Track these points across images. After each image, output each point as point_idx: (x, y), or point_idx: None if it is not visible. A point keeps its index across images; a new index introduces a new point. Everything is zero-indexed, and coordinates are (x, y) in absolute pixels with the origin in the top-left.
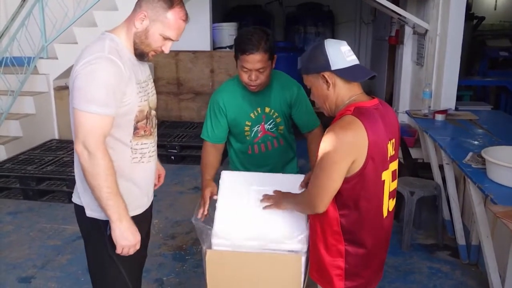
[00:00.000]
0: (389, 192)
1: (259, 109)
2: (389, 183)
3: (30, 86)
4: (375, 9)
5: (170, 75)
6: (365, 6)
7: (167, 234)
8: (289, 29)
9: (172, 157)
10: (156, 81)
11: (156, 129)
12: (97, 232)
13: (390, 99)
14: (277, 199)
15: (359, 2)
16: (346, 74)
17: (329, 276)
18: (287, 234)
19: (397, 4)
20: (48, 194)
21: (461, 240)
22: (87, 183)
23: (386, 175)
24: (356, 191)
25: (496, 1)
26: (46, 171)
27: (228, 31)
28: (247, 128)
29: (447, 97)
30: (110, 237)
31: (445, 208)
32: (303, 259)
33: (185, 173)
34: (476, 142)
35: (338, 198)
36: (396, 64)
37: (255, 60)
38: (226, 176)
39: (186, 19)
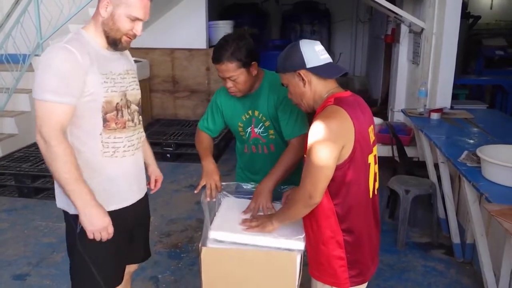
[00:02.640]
0: (374, 175)
1: (250, 111)
2: (374, 166)
3: (25, 84)
4: (372, 8)
5: (166, 73)
6: (361, 4)
7: (163, 232)
8: (285, 27)
9: (168, 155)
10: (151, 79)
11: (139, 124)
12: (69, 228)
13: (386, 98)
14: (263, 220)
15: (356, 0)
16: (321, 71)
17: (332, 269)
18: (284, 234)
19: (393, 3)
20: (43, 192)
21: (456, 239)
22: (51, 172)
23: (371, 159)
24: (348, 177)
25: (492, 1)
26: (41, 168)
27: (224, 29)
28: (240, 129)
29: (443, 96)
30: (80, 233)
31: (440, 207)
32: (298, 257)
33: (180, 171)
34: (471, 141)
35: (331, 187)
36: (392, 63)
37: (222, 69)
38: (226, 201)
39: None
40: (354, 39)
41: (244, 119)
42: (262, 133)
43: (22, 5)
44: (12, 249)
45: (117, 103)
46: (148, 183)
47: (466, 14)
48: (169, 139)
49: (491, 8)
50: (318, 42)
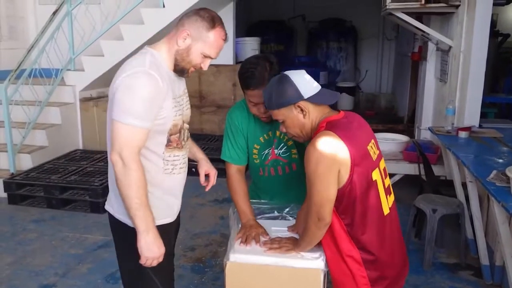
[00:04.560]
0: (384, 189)
1: (270, 132)
2: (382, 181)
3: (57, 97)
4: (398, 25)
5: (193, 88)
6: (388, 22)
7: (187, 246)
8: (311, 44)
9: (193, 169)
10: None
11: (188, 142)
12: (128, 239)
13: (412, 116)
14: (285, 245)
15: (382, 18)
16: (318, 99)
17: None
18: (302, 254)
19: (420, 21)
20: (71, 203)
21: (484, 260)
22: (118, 192)
23: (376, 175)
24: (352, 198)
25: None
26: (70, 180)
27: (251, 46)
28: (255, 151)
29: (471, 114)
30: None
31: (468, 227)
32: (322, 274)
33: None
34: (500, 160)
35: (338, 208)
36: (419, 81)
37: (259, 94)
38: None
39: (226, 38)
40: (381, 56)
41: (263, 141)
42: (283, 153)
43: (56, 21)
44: (40, 259)
45: (180, 126)
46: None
47: (495, 33)
48: None
49: None
50: (304, 71)
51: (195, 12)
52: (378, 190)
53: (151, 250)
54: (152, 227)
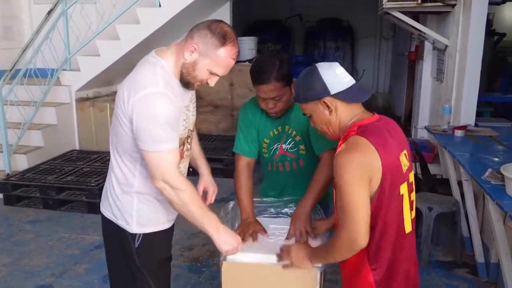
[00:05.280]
0: (410, 204)
1: (279, 127)
2: (408, 195)
3: (53, 97)
4: (395, 25)
5: None
6: (385, 21)
7: (184, 245)
8: (308, 43)
9: (190, 169)
10: None
11: (190, 149)
12: (124, 243)
13: (409, 115)
14: (299, 259)
15: (379, 17)
16: (346, 96)
17: None
18: None
19: (417, 20)
20: (67, 204)
21: (480, 258)
22: (177, 212)
23: (404, 189)
24: (376, 211)
25: None
26: (66, 181)
27: (248, 45)
28: (264, 145)
29: (467, 113)
30: (138, 250)
31: (464, 225)
32: (318, 273)
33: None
34: (496, 159)
35: None
36: (416, 80)
37: (268, 90)
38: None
39: (236, 57)
40: (378, 56)
41: (272, 135)
42: (290, 148)
43: (51, 21)
44: (36, 260)
45: (185, 138)
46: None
47: (491, 32)
48: None
49: None
50: (337, 64)
51: (208, 24)
52: (403, 205)
53: (228, 243)
54: (220, 224)
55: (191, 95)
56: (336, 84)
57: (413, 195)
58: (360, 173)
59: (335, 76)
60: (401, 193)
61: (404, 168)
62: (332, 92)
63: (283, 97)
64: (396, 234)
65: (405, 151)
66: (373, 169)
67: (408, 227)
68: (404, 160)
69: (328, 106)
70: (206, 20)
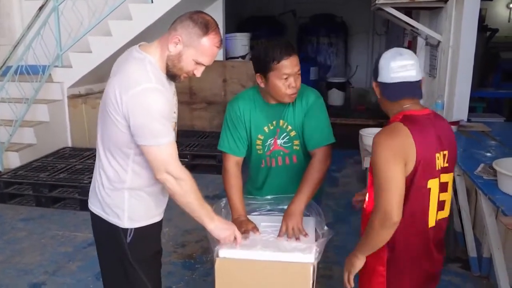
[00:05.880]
0: (437, 203)
1: (274, 122)
2: (437, 193)
3: (45, 94)
4: (388, 21)
5: (183, 84)
6: (378, 17)
7: (177, 242)
8: (302, 39)
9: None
10: None
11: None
12: (116, 239)
13: None
14: (349, 259)
15: (372, 13)
16: (386, 90)
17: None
18: (293, 248)
19: (409, 16)
20: (60, 201)
21: (472, 252)
22: (179, 202)
23: (433, 184)
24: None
25: (510, 13)
26: (59, 178)
27: (241, 41)
28: (258, 142)
29: (459, 109)
30: (130, 244)
31: (456, 220)
32: (311, 268)
33: (196, 182)
34: (488, 154)
35: None
36: None
37: (294, 63)
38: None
39: (220, 45)
40: (371, 51)
41: (267, 131)
42: (285, 143)
43: (43, 17)
44: (29, 257)
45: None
46: None
47: (483, 27)
48: (185, 150)
49: (509, 21)
50: (403, 56)
51: (189, 16)
52: (429, 199)
53: (225, 229)
54: (214, 215)
55: (174, 89)
56: (383, 74)
57: (446, 195)
58: (396, 152)
59: (387, 67)
60: (428, 187)
61: (438, 166)
62: (378, 79)
63: (299, 73)
64: (419, 225)
65: (445, 152)
66: (408, 155)
67: (431, 222)
68: (441, 159)
69: (377, 89)
70: (187, 12)
